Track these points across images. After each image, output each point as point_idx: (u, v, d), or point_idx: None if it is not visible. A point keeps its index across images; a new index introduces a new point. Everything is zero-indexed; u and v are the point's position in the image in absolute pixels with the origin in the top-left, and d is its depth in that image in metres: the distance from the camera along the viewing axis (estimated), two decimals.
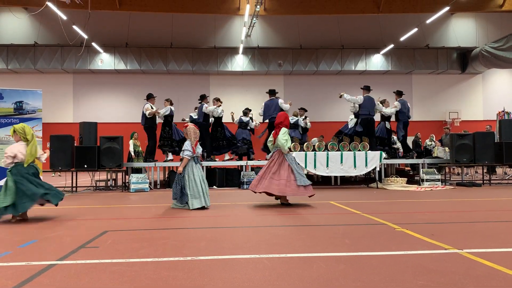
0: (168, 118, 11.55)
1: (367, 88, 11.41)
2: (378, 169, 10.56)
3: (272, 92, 11.47)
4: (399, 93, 11.97)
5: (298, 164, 7.14)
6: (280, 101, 11.32)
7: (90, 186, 11.10)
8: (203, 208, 6.58)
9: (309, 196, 6.92)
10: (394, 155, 12.24)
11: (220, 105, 11.55)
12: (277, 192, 6.80)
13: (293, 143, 11.11)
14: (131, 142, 14.12)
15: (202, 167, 11.04)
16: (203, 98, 11.64)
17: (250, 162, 11.41)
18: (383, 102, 11.91)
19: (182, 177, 6.68)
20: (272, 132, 7.24)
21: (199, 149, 6.92)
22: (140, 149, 13.90)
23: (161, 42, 21.57)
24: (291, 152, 10.63)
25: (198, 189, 6.60)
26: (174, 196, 6.77)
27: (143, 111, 11.13)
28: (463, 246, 3.78)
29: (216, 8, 20.00)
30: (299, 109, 13.53)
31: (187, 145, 6.76)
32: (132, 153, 13.97)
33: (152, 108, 11.06)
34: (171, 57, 21.32)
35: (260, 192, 7.02)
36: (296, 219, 5.68)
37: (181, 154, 6.95)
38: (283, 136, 6.96)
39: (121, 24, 21.36)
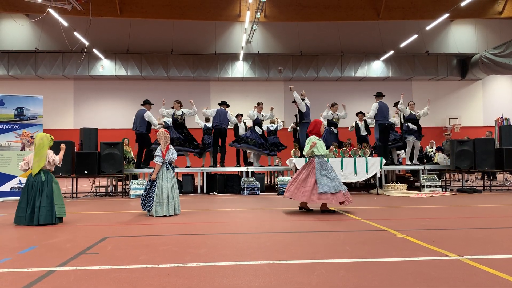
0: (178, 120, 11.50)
1: (379, 95, 11.47)
2: (378, 175, 10.56)
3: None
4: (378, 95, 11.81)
5: (327, 169, 6.97)
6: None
7: (90, 192, 11.10)
8: (164, 216, 6.44)
9: (340, 203, 6.65)
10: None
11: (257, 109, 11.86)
12: (301, 199, 6.70)
13: (293, 149, 11.12)
14: None
15: (203, 173, 11.13)
16: (223, 104, 11.71)
17: (251, 168, 11.40)
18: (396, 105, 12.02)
19: (151, 183, 6.62)
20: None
21: (173, 154, 6.75)
22: (132, 155, 13.37)
23: (162, 48, 21.66)
24: (292, 158, 10.64)
25: (163, 197, 6.49)
26: (141, 203, 6.70)
27: (142, 118, 10.83)
28: (464, 252, 3.77)
29: (216, 15, 20.10)
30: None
31: (157, 150, 6.70)
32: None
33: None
34: (171, 64, 21.39)
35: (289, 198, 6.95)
36: (296, 225, 5.67)
37: (154, 160, 6.85)
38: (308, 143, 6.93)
39: (122, 30, 21.47)
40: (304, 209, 7.04)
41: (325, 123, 11.58)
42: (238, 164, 12.16)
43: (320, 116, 11.91)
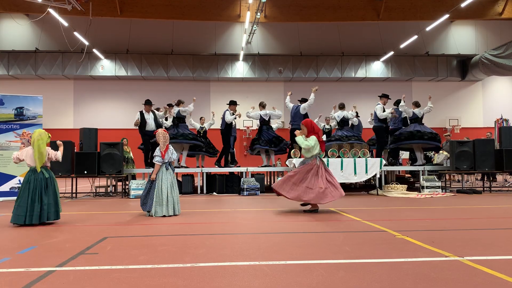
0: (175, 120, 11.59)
1: (386, 96, 11.51)
2: (378, 176, 10.56)
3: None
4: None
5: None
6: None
7: (90, 192, 11.10)
8: (164, 216, 6.42)
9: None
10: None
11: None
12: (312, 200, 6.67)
13: (293, 150, 11.11)
14: None
15: (203, 173, 11.12)
16: (230, 104, 11.71)
17: (251, 169, 11.40)
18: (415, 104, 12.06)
19: (150, 183, 6.60)
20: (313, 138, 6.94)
21: (173, 154, 6.73)
22: (131, 155, 13.35)
23: (161, 48, 21.66)
24: (293, 158, 10.64)
25: (163, 197, 6.48)
26: (141, 203, 6.69)
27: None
28: (463, 253, 3.77)
29: (216, 15, 20.11)
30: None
31: (156, 150, 6.68)
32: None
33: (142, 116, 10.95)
34: (171, 64, 21.39)
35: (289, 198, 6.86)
36: (296, 226, 5.67)
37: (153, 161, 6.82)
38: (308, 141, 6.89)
39: (122, 30, 21.47)
40: (310, 211, 6.96)
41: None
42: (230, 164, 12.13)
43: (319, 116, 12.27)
